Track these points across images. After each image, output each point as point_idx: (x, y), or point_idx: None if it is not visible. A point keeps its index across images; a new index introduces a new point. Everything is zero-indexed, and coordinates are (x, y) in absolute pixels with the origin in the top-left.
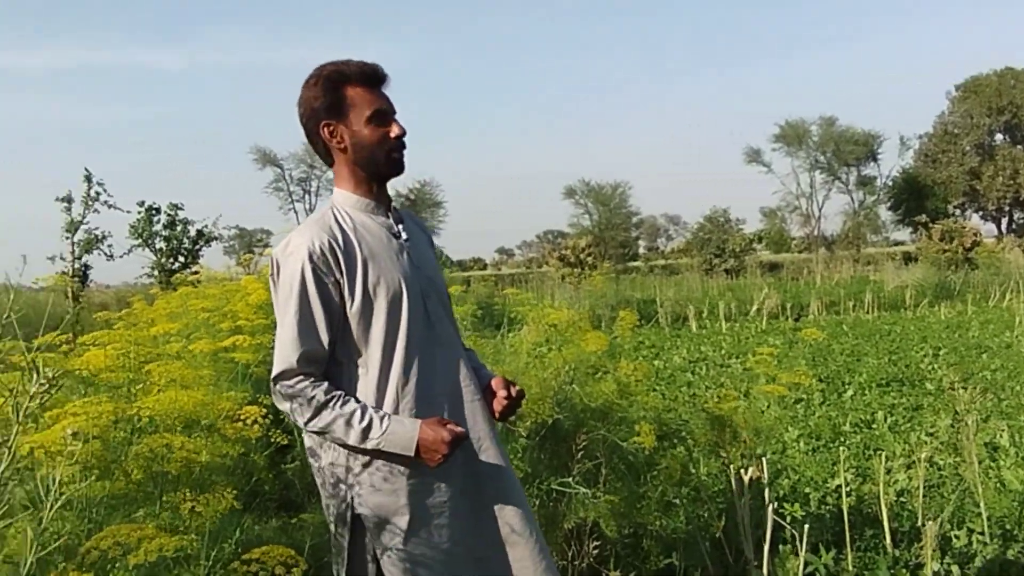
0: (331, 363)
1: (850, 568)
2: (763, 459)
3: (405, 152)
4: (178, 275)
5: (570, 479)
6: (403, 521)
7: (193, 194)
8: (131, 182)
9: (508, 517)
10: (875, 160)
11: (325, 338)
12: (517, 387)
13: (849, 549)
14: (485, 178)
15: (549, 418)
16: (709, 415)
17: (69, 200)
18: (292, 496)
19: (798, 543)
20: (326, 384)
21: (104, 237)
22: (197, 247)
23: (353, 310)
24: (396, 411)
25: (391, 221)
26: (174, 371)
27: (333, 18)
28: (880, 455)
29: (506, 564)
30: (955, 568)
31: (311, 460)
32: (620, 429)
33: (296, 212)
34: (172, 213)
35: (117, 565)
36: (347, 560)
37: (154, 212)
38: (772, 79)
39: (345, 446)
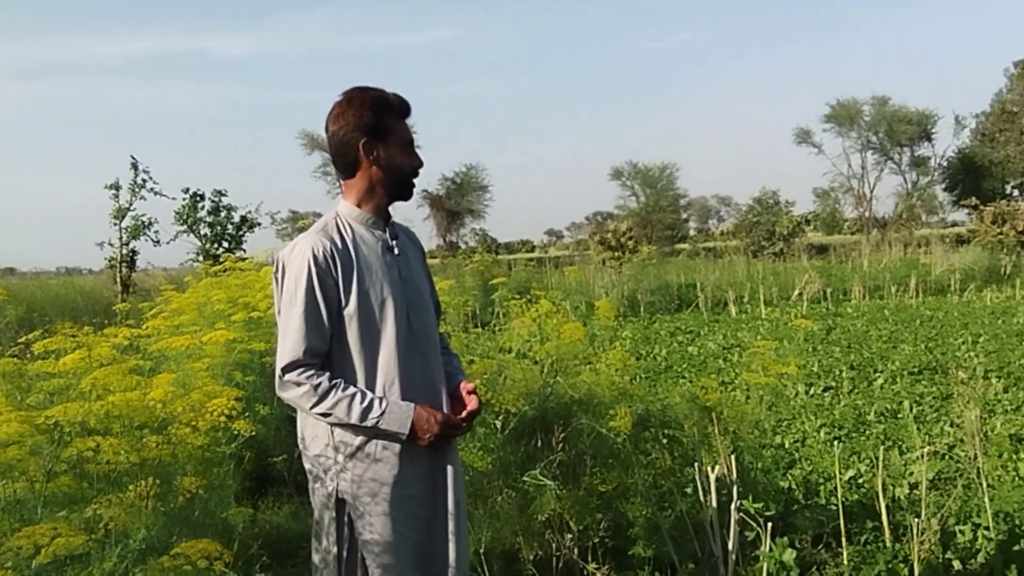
0: (325, 360)
1: (846, 562)
2: (732, 457)
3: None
4: (202, 265)
5: (536, 471)
6: (381, 508)
7: (242, 179)
8: (181, 168)
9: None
10: (929, 140)
11: (327, 333)
12: (476, 402)
13: (845, 542)
14: (535, 159)
15: (527, 411)
16: (697, 405)
17: (117, 187)
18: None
19: (762, 538)
20: (328, 373)
21: (151, 223)
22: (241, 232)
23: (347, 312)
24: None
25: (387, 236)
26: (108, 377)
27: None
28: (895, 447)
29: (446, 558)
30: (956, 563)
31: (302, 449)
32: (603, 419)
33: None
34: (216, 200)
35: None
36: (336, 543)
37: (199, 199)
38: (823, 59)
39: (346, 427)
